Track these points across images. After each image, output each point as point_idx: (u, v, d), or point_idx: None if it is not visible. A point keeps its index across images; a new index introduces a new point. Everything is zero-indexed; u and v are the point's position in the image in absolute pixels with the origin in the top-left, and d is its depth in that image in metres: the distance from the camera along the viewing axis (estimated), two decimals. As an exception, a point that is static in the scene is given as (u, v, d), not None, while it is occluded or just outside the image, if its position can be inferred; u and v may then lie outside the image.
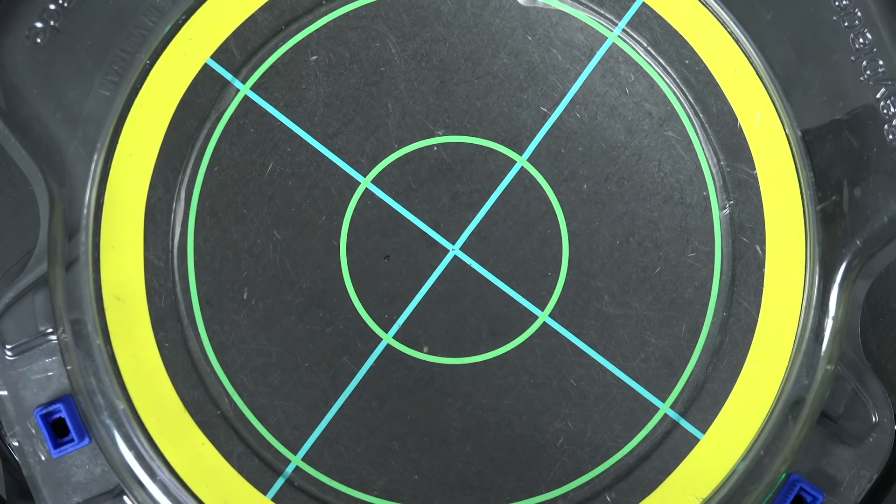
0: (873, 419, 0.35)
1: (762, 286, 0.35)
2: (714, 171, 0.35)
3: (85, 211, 0.34)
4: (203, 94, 0.35)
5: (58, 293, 0.34)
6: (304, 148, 0.35)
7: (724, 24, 0.36)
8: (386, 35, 0.36)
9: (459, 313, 0.35)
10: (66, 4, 0.35)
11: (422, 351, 0.35)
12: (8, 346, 0.34)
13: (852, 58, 0.35)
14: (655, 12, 0.36)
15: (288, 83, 0.35)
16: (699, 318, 0.35)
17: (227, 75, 0.35)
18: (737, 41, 0.36)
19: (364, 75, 0.36)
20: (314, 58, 0.36)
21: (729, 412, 0.35)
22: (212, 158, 0.35)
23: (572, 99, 0.36)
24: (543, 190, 0.35)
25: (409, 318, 0.35)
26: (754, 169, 0.35)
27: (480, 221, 0.35)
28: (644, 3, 0.36)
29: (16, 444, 0.34)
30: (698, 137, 0.35)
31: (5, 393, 0.34)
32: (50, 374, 0.34)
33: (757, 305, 0.35)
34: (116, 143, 0.35)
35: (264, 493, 0.34)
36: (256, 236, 0.35)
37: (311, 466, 0.34)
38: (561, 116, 0.36)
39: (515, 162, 0.35)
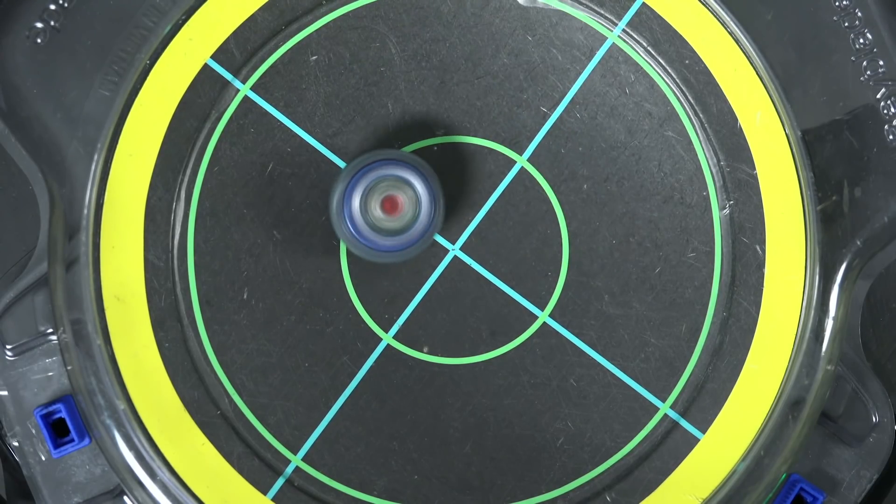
0: (873, 419, 0.35)
1: (762, 286, 0.35)
2: (714, 171, 0.35)
3: (85, 211, 0.34)
4: (203, 94, 0.35)
5: (58, 293, 0.34)
6: (304, 148, 0.35)
7: (724, 24, 0.36)
8: (386, 35, 0.36)
9: (459, 313, 0.35)
10: (66, 4, 0.35)
11: (422, 351, 0.35)
12: (8, 346, 0.34)
13: (852, 58, 0.35)
14: (655, 12, 0.36)
15: (288, 83, 0.35)
16: (699, 318, 0.35)
17: (227, 75, 0.35)
18: (737, 41, 0.36)
19: (364, 75, 0.36)
20: (314, 58, 0.36)
21: (729, 412, 0.35)
22: (212, 158, 0.35)
23: (572, 99, 0.36)
24: (543, 190, 0.35)
25: (409, 318, 0.35)
26: (754, 169, 0.35)
27: (480, 221, 0.35)
28: (644, 3, 0.36)
29: (16, 444, 0.34)
30: (698, 137, 0.35)
31: (5, 393, 0.34)
32: (50, 374, 0.34)
33: (757, 305, 0.35)
34: (116, 143, 0.35)
35: (264, 493, 0.34)
36: (256, 236, 0.35)
37: (311, 466, 0.34)
38: (561, 116, 0.36)
39: (515, 162, 0.35)
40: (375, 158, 0.33)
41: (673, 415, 0.35)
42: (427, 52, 0.36)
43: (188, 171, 0.35)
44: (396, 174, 0.33)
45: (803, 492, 0.34)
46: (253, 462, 0.34)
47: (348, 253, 0.35)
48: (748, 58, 0.36)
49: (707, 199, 0.35)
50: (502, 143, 0.35)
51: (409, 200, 0.33)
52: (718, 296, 0.35)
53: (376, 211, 0.33)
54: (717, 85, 0.35)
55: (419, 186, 0.32)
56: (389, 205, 0.33)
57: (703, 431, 0.35)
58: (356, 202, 0.32)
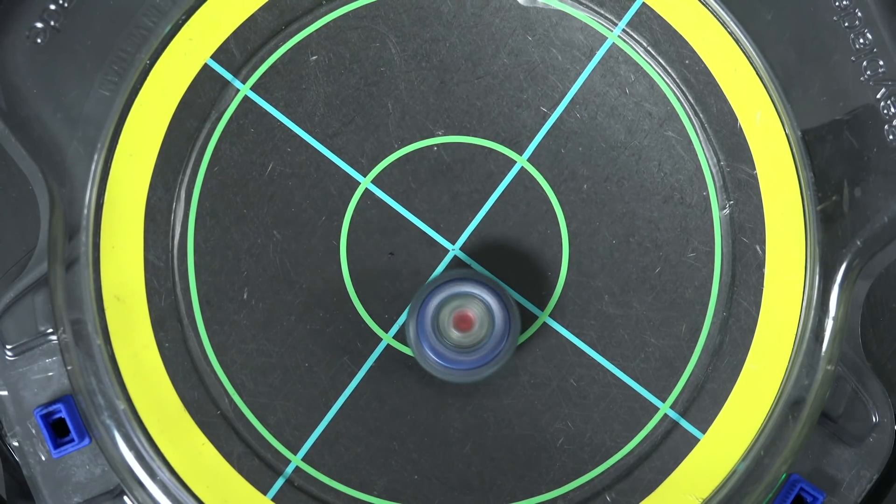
0: (873, 419, 0.35)
1: (762, 286, 0.35)
2: (714, 171, 0.35)
3: (85, 211, 0.34)
4: (203, 94, 0.35)
5: (58, 293, 0.34)
6: (304, 148, 0.35)
7: (724, 24, 0.36)
8: (386, 35, 0.36)
9: (459, 313, 0.35)
10: (66, 4, 0.35)
11: (422, 351, 0.35)
12: (8, 347, 0.34)
13: (852, 58, 0.35)
14: (655, 12, 0.36)
15: (288, 83, 0.35)
16: (699, 318, 0.35)
17: (227, 75, 0.35)
18: (737, 41, 0.36)
19: (364, 75, 0.36)
20: (314, 58, 0.36)
21: (729, 412, 0.35)
22: (212, 158, 0.35)
23: (572, 99, 0.36)
24: (543, 190, 0.35)
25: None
26: (754, 169, 0.35)
27: (480, 221, 0.35)
28: (644, 3, 0.36)
29: (16, 444, 0.34)
30: (698, 137, 0.35)
31: (5, 393, 0.34)
32: (50, 374, 0.34)
33: (757, 305, 0.35)
34: (116, 143, 0.35)
35: (264, 493, 0.34)
36: (256, 236, 0.35)
37: (311, 466, 0.34)
38: (561, 116, 0.36)
39: (515, 162, 0.35)
40: (436, 284, 0.33)
41: (673, 415, 0.35)
42: (427, 52, 0.36)
43: (188, 171, 0.35)
44: (461, 291, 0.33)
45: (803, 492, 0.34)
46: (253, 462, 0.34)
47: (348, 253, 0.35)
48: (748, 58, 0.36)
49: (707, 199, 0.35)
50: (502, 143, 0.35)
51: (480, 313, 0.33)
52: (718, 296, 0.35)
53: (451, 332, 0.33)
54: (717, 85, 0.36)
55: (485, 296, 0.33)
56: (462, 321, 0.33)
57: (703, 431, 0.35)
58: (429, 328, 0.33)
